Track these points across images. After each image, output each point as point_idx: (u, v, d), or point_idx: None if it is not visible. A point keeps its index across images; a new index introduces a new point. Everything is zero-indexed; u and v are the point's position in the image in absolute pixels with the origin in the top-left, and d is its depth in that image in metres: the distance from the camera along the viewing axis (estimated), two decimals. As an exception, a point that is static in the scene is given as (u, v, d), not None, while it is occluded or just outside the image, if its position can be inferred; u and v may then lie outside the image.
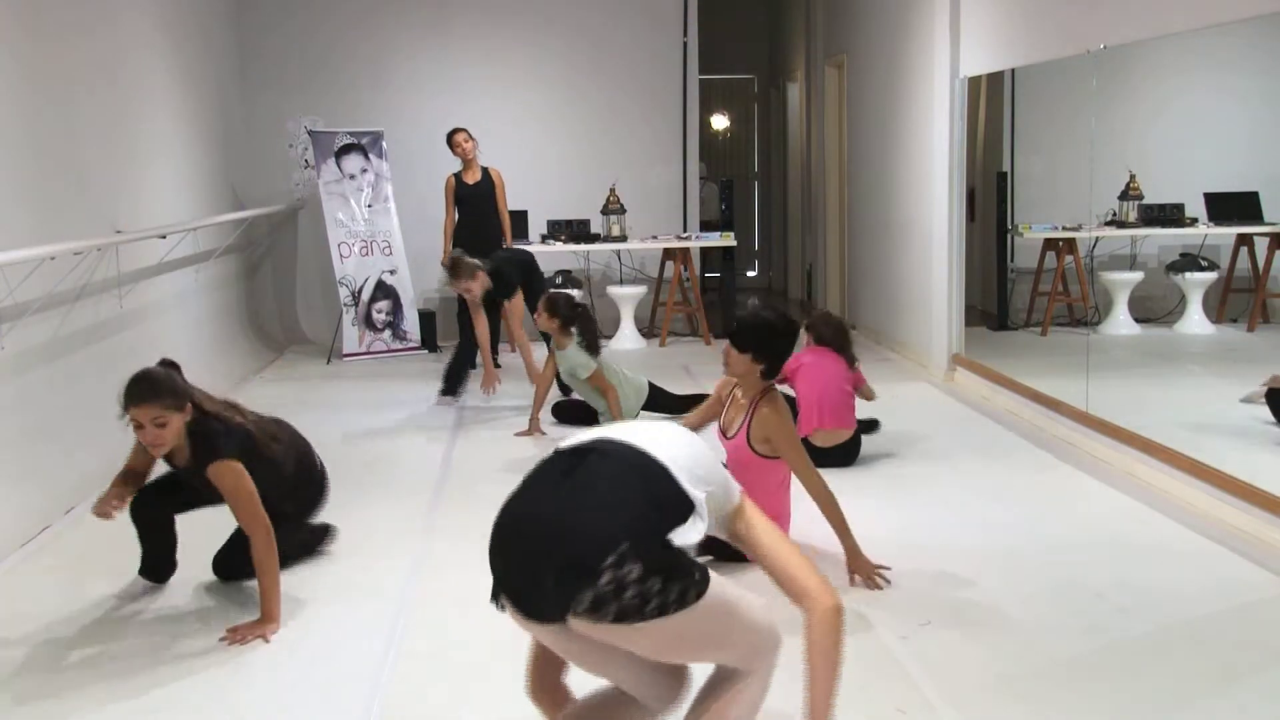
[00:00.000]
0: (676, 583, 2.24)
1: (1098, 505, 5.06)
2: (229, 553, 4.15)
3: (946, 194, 7.58)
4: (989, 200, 8.34)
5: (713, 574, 2.35)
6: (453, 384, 7.37)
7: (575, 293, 9.35)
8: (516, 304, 7.09)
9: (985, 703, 3.19)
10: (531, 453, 6.10)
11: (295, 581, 4.09)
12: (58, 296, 5.48)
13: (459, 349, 7.58)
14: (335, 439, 6.29)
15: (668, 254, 9.92)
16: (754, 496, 2.68)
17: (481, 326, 7.13)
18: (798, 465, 4.02)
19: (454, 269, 6.96)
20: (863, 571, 4.01)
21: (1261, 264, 7.28)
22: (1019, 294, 8.47)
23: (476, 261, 7.02)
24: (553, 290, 6.82)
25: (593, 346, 6.39)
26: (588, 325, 6.43)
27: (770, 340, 4.05)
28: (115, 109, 6.64)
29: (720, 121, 14.43)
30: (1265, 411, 5.62)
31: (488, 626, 3.75)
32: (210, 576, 4.23)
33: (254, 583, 3.87)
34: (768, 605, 2.49)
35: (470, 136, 8.60)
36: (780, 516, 4.16)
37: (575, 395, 6.78)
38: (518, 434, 6.42)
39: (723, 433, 4.25)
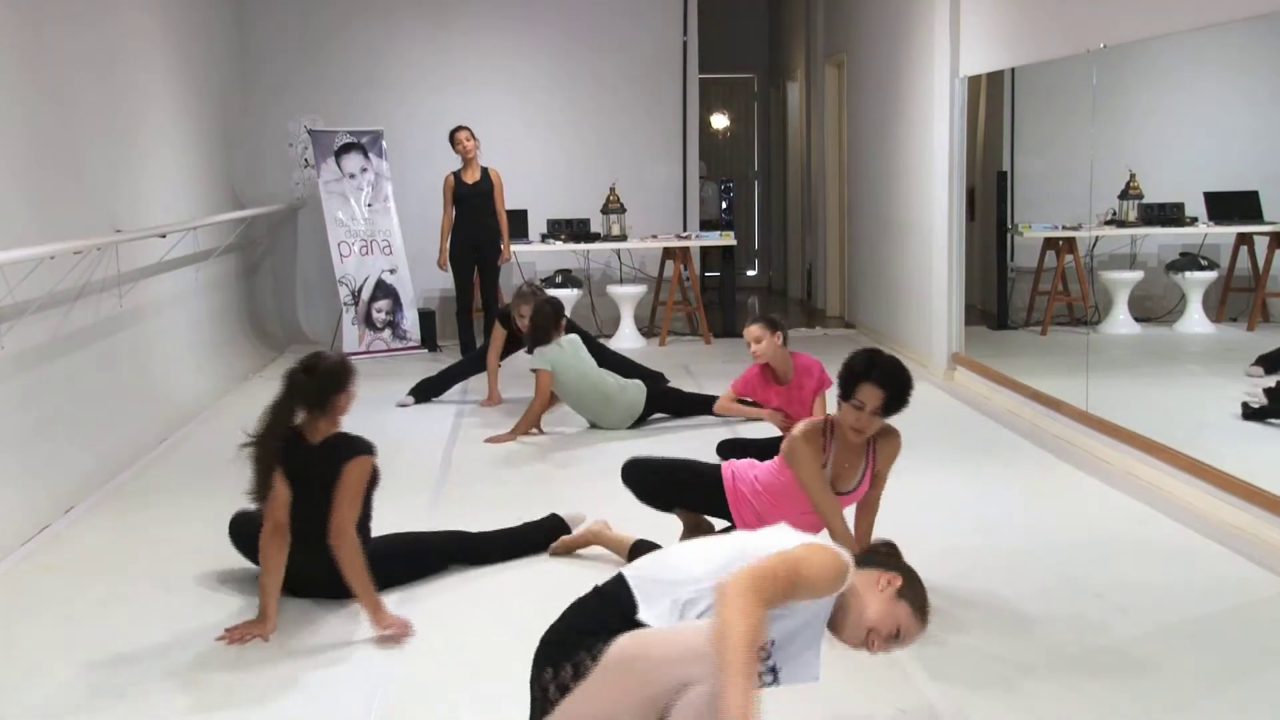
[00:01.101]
0: (566, 661, 2.47)
1: (1097, 505, 5.06)
2: (248, 523, 4.13)
3: (946, 194, 7.58)
4: (989, 200, 8.35)
5: (627, 634, 2.43)
6: (424, 393, 7.34)
7: (574, 292, 9.39)
8: None
9: (985, 703, 3.19)
10: (529, 455, 6.11)
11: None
12: (58, 296, 5.48)
13: (456, 367, 7.54)
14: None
15: (668, 253, 9.92)
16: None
17: (496, 354, 7.17)
18: (881, 490, 3.96)
19: (528, 295, 6.77)
20: None
21: (1261, 263, 7.29)
22: (1019, 293, 8.47)
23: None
24: (532, 302, 6.66)
25: (529, 344, 6.38)
26: (535, 327, 6.38)
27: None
28: (115, 108, 6.64)
29: (720, 121, 14.42)
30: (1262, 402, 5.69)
31: (488, 627, 3.75)
32: (211, 577, 4.23)
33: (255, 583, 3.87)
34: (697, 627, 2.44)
35: (473, 135, 8.59)
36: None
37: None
38: (489, 439, 6.32)
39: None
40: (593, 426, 6.53)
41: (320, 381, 3.83)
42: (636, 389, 6.53)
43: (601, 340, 8.19)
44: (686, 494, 4.26)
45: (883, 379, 3.67)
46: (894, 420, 3.81)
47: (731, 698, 2.20)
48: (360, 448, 3.82)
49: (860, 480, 3.88)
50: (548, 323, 6.38)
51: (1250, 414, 5.77)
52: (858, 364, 3.74)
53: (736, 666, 2.23)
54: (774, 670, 2.51)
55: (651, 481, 4.27)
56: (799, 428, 3.89)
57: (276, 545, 3.74)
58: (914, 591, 2.56)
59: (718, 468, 4.20)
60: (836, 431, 3.82)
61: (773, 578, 2.38)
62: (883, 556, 2.65)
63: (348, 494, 3.73)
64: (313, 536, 3.76)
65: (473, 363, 7.53)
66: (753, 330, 5.40)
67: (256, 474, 3.77)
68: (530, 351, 6.41)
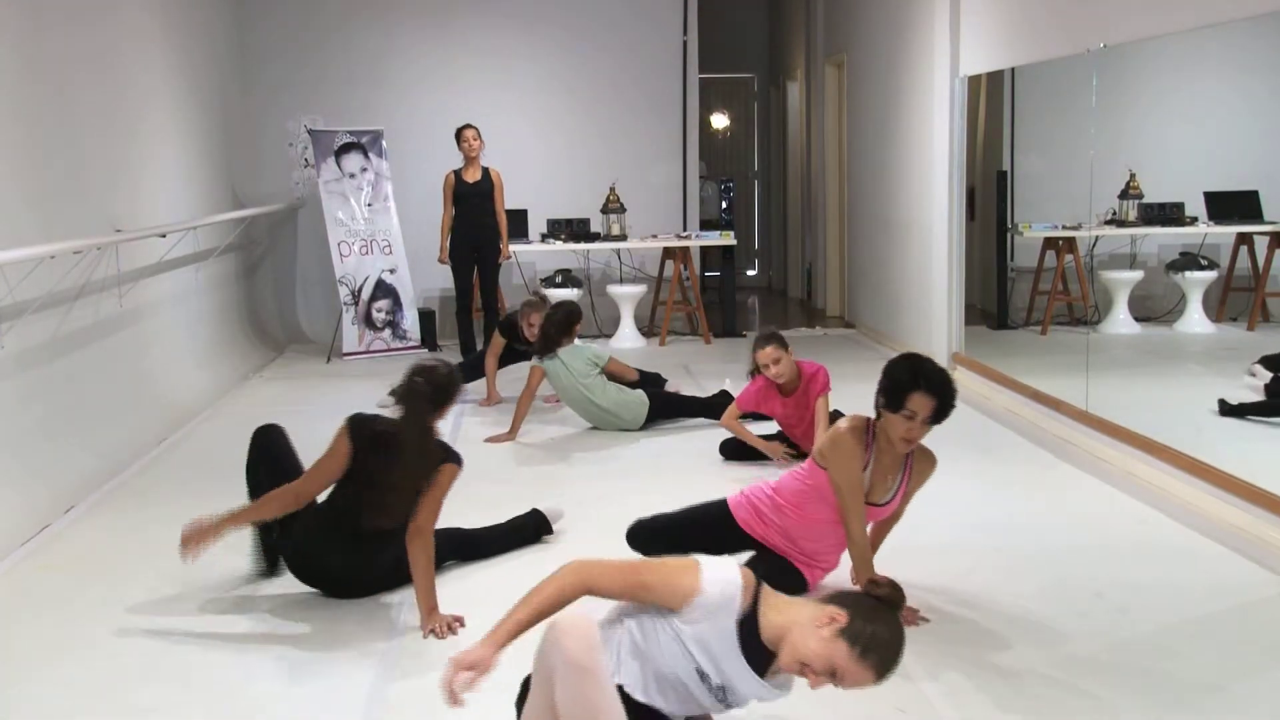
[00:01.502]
0: None
1: (1097, 505, 5.06)
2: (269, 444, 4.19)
3: (946, 193, 7.58)
4: (989, 199, 8.34)
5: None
6: None
7: (574, 292, 9.38)
8: None
9: (985, 703, 3.19)
10: (530, 454, 6.11)
11: (294, 580, 4.09)
12: (58, 295, 5.48)
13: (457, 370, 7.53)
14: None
15: (668, 253, 9.92)
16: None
17: (494, 357, 7.19)
18: (905, 507, 3.96)
19: (538, 303, 6.93)
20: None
21: (1261, 263, 7.28)
22: (1019, 293, 8.46)
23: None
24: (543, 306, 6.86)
25: (538, 351, 6.44)
26: (544, 335, 6.43)
27: None
28: (115, 108, 6.64)
29: (720, 121, 14.42)
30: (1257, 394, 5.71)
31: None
32: (211, 577, 4.23)
33: (257, 583, 3.87)
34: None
35: (479, 136, 8.59)
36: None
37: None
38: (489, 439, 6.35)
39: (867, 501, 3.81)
40: (594, 428, 6.54)
41: (435, 395, 3.96)
42: (638, 403, 6.47)
43: (600, 341, 8.20)
44: (698, 545, 4.17)
45: (931, 386, 3.60)
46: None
47: (485, 638, 2.49)
48: (454, 456, 3.90)
49: (893, 496, 3.84)
50: (557, 332, 6.40)
51: (1227, 410, 5.77)
52: (902, 374, 3.65)
53: (510, 617, 2.50)
54: (724, 689, 2.59)
55: (659, 544, 4.05)
56: (843, 422, 3.81)
57: (279, 507, 3.82)
58: (859, 632, 2.41)
59: (723, 503, 4.04)
60: (878, 438, 3.76)
61: (612, 567, 2.56)
62: (861, 596, 2.54)
63: (437, 496, 3.81)
64: (369, 532, 3.84)
65: (468, 369, 7.50)
66: (769, 353, 5.37)
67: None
68: (540, 358, 6.42)
